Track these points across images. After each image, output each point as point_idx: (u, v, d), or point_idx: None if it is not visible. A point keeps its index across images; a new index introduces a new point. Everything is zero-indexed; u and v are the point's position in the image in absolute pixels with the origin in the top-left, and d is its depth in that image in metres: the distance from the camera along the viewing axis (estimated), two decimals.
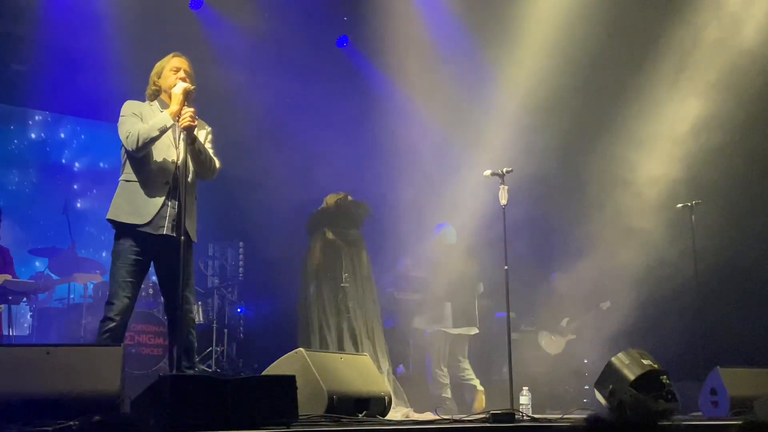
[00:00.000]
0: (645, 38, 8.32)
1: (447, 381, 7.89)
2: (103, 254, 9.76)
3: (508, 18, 8.57)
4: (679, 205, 7.64)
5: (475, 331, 8.07)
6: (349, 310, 7.02)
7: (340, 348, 6.78)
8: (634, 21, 8.28)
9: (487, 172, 6.24)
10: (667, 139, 8.16)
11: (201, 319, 8.93)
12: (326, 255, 7.12)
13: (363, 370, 5.17)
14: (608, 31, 8.28)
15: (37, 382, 3.82)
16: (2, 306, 7.42)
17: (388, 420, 5.01)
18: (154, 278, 9.30)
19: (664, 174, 8.06)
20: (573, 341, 8.99)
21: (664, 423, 2.55)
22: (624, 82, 8.58)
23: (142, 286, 8.28)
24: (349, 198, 7.47)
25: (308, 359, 4.70)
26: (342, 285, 7.04)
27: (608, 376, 5.47)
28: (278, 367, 4.80)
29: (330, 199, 7.44)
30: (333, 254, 7.13)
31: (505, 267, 6.07)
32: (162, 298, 8.52)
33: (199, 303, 8.73)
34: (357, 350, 6.76)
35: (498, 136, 8.37)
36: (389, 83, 9.61)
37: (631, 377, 5.32)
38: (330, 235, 7.18)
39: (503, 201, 6.09)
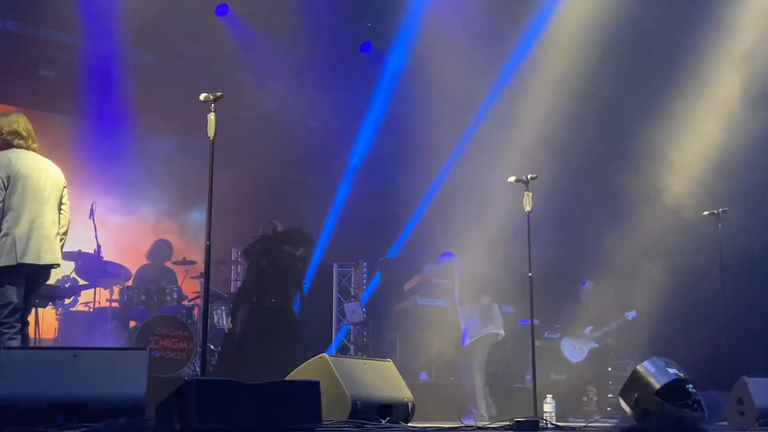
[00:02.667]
0: (673, 49, 8.30)
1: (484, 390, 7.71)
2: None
3: (540, 24, 8.55)
4: (706, 213, 7.56)
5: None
6: (266, 328, 7.67)
7: (251, 352, 7.57)
8: (663, 34, 8.27)
9: (512, 179, 6.18)
10: (695, 147, 8.09)
11: (226, 324, 8.94)
12: (260, 281, 7.79)
13: (386, 376, 5.16)
14: (636, 44, 8.27)
15: (64, 384, 3.86)
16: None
17: (411, 426, 5.00)
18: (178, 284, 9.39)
19: (690, 182, 7.99)
20: (596, 350, 8.91)
21: None
22: (653, 91, 8.54)
23: (166, 290, 8.48)
24: (279, 228, 8.01)
25: (332, 365, 4.71)
26: (266, 306, 7.72)
27: (634, 385, 5.41)
28: (302, 372, 4.83)
29: (264, 230, 8.03)
30: (264, 281, 7.78)
31: (530, 274, 6.01)
32: (186, 302, 8.69)
33: (223, 308, 8.75)
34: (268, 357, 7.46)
35: (525, 142, 8.34)
36: (414, 87, 9.60)
37: (657, 386, 5.25)
38: (263, 263, 7.82)
39: (528, 207, 6.04)
